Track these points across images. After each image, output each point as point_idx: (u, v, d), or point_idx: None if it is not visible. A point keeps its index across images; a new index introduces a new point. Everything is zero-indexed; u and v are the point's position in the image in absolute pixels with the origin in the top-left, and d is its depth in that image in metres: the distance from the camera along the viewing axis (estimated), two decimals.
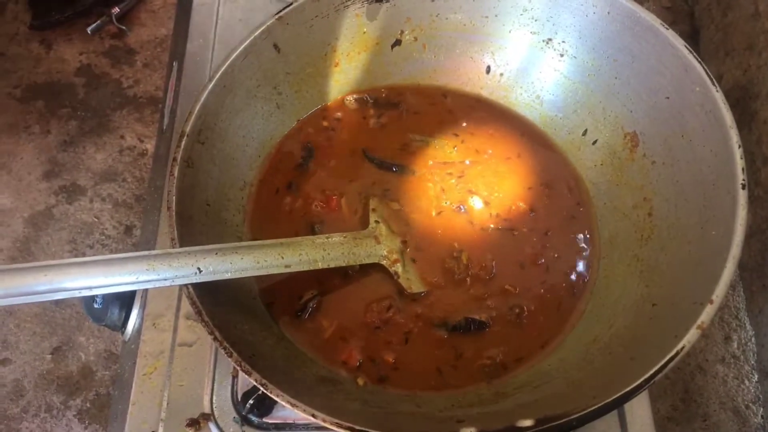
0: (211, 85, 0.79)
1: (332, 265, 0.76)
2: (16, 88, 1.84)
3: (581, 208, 0.86)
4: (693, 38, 1.71)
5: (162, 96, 1.11)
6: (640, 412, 0.80)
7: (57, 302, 1.56)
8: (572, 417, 0.57)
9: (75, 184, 1.70)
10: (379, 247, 0.81)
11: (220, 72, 0.79)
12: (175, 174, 0.73)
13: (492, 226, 0.85)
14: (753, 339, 1.37)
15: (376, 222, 0.83)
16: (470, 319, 0.79)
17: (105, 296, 0.87)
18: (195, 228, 0.75)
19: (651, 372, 0.58)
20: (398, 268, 0.81)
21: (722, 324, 1.39)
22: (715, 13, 1.65)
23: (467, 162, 0.90)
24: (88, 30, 1.89)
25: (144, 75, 1.86)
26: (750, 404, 1.32)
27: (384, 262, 0.80)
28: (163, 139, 1.05)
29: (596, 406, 0.57)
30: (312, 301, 0.80)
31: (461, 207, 0.86)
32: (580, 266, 0.83)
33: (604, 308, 0.78)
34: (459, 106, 0.95)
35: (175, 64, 1.11)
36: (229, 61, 0.80)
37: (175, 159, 0.74)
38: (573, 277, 0.82)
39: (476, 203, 0.86)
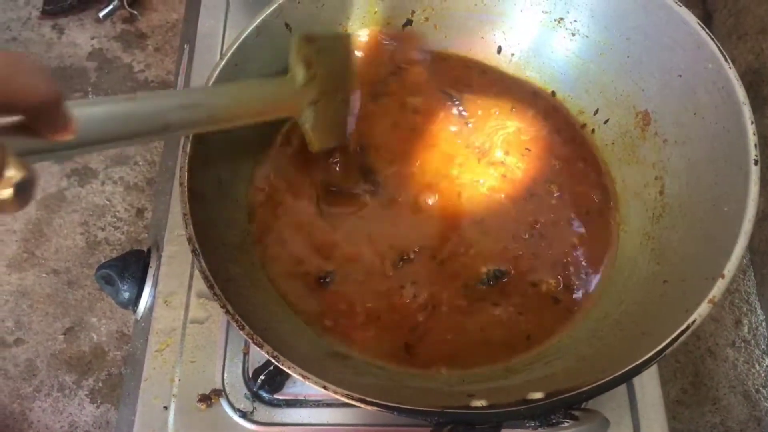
0: (222, 63, 0.78)
1: (237, 123, 0.71)
2: None
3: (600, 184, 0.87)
4: (705, 22, 1.70)
5: (173, 80, 1.12)
6: (650, 390, 0.80)
7: (69, 284, 1.57)
8: (582, 390, 0.58)
9: (87, 167, 1.71)
10: (293, 93, 0.75)
11: (231, 50, 0.79)
12: (188, 150, 0.73)
13: (503, 196, 0.85)
14: (764, 323, 1.37)
15: (302, 64, 0.76)
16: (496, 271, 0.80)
17: (118, 274, 0.88)
18: (207, 205, 0.75)
19: (662, 345, 0.58)
20: (308, 117, 0.77)
21: (733, 308, 1.39)
22: None
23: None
24: (100, 15, 1.90)
25: (155, 59, 1.87)
26: (760, 388, 1.33)
27: (296, 116, 0.77)
28: None
29: (606, 379, 0.57)
30: (326, 277, 0.80)
31: (479, 180, 0.86)
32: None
33: (615, 286, 0.78)
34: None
35: (186, 46, 1.12)
36: (240, 40, 0.79)
37: (187, 135, 0.74)
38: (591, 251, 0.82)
39: (489, 172, 0.86)
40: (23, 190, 0.43)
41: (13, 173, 0.42)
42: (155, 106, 0.62)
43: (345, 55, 0.84)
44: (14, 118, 0.47)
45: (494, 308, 0.78)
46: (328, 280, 0.80)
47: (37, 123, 0.48)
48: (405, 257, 0.80)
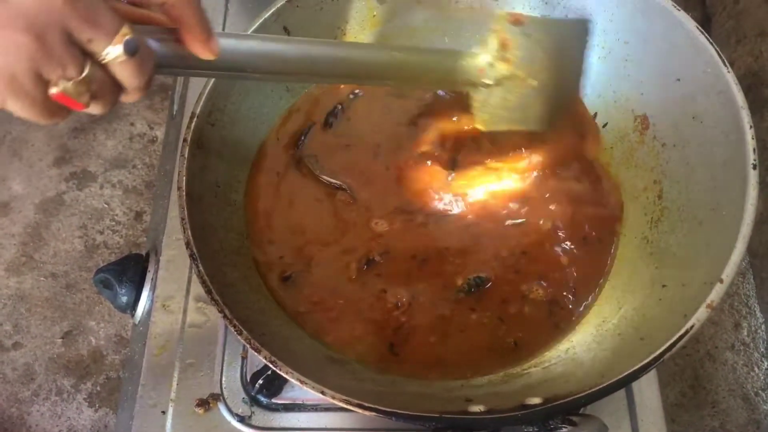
0: None
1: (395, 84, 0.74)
2: None
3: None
4: (705, 25, 1.70)
5: (171, 83, 1.12)
6: (649, 394, 0.80)
7: (68, 287, 1.57)
8: (580, 395, 0.57)
9: (85, 170, 1.71)
10: (471, 68, 0.72)
11: None
12: (186, 155, 0.73)
13: (500, 207, 0.84)
14: (763, 326, 1.37)
15: (496, 43, 0.73)
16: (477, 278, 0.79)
17: (116, 278, 0.88)
18: (204, 209, 0.75)
19: (660, 351, 0.58)
20: (481, 95, 0.74)
21: (732, 311, 1.39)
22: (727, 0, 1.64)
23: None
24: None
25: None
26: (759, 391, 1.32)
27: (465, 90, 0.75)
28: (173, 124, 1.06)
29: (604, 385, 0.57)
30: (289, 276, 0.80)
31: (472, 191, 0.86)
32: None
33: (614, 290, 0.78)
34: None
35: None
36: None
37: (185, 140, 0.74)
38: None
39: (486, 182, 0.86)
40: (133, 51, 0.48)
41: (125, 30, 0.47)
42: (308, 53, 0.63)
43: (564, 44, 0.80)
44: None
45: (471, 313, 0.78)
46: (291, 277, 0.80)
47: (182, 31, 0.54)
48: (371, 258, 0.80)
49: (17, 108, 0.46)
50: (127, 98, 0.53)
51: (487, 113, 0.77)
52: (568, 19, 0.77)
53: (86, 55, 0.46)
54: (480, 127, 0.78)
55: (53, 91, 0.46)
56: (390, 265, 0.80)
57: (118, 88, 0.50)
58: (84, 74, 0.46)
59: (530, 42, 0.74)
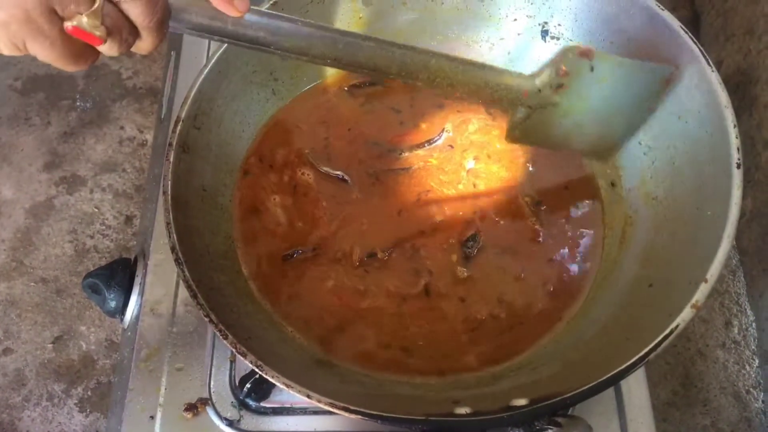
0: (206, 71, 0.79)
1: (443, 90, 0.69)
2: (17, 80, 1.84)
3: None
4: (693, 24, 1.71)
5: (161, 86, 1.12)
6: (638, 393, 0.80)
7: (58, 292, 1.56)
8: (565, 396, 0.58)
9: (75, 174, 1.70)
10: (521, 88, 0.70)
11: (215, 57, 0.79)
12: (171, 159, 0.73)
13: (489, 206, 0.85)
14: (753, 324, 1.37)
15: (554, 70, 0.71)
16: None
17: (105, 283, 0.88)
18: (191, 213, 0.75)
19: (645, 350, 0.58)
20: (521, 114, 0.73)
21: (723, 309, 1.39)
22: None
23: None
24: None
25: (143, 66, 1.86)
26: (750, 389, 1.33)
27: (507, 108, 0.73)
28: (162, 128, 1.06)
29: (590, 385, 0.58)
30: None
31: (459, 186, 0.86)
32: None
33: (601, 290, 0.78)
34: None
35: (172, 53, 1.12)
36: (224, 47, 0.80)
37: (170, 144, 0.74)
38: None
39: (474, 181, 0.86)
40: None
41: None
42: (335, 42, 0.64)
43: (631, 88, 0.76)
44: None
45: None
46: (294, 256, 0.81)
47: None
48: (373, 254, 0.81)
49: (38, 50, 0.48)
50: (142, 45, 0.53)
51: (519, 131, 0.76)
52: (645, 63, 0.74)
53: None
54: (508, 140, 0.78)
55: (68, 25, 0.47)
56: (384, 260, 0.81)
57: (132, 26, 0.51)
58: (95, 6, 0.47)
59: (592, 77, 0.72)
